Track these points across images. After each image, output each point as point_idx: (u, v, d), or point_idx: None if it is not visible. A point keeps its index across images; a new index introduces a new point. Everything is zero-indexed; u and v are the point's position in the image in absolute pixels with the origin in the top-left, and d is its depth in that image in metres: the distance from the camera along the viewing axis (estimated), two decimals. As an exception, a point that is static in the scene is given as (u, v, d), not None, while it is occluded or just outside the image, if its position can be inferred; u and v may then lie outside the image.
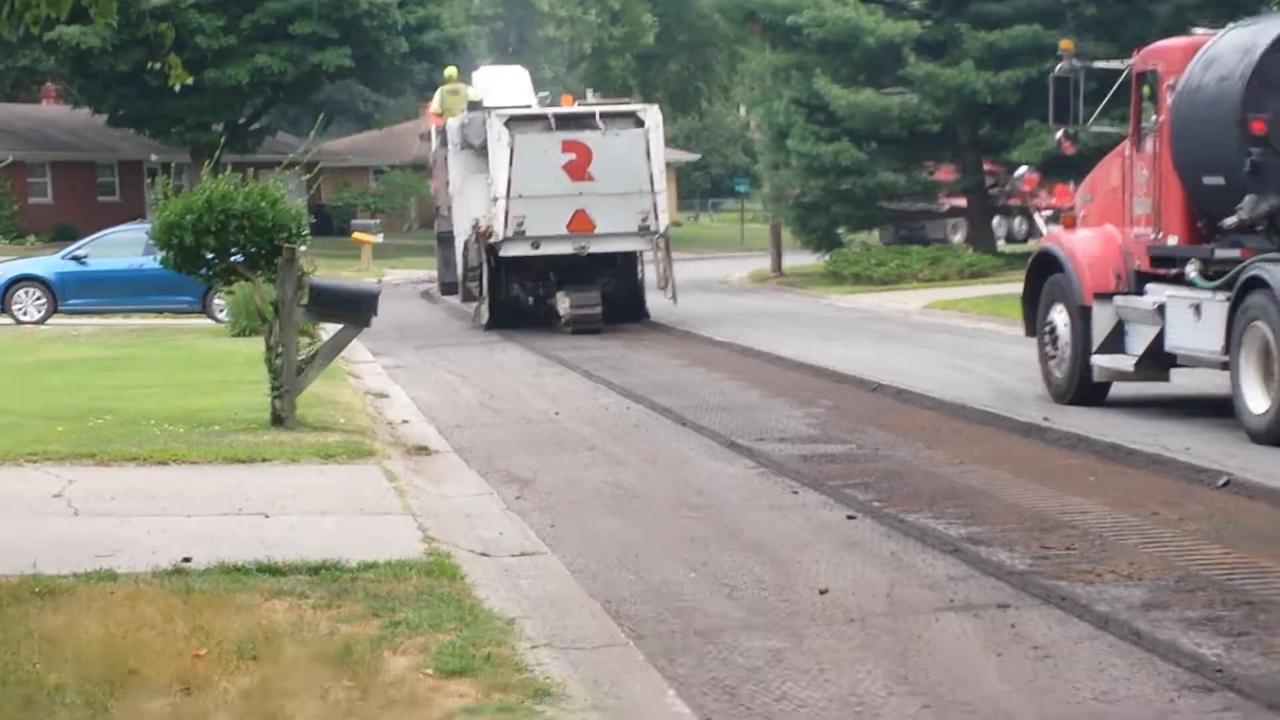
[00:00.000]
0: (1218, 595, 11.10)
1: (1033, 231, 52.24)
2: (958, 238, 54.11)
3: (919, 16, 48.27)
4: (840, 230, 50.76)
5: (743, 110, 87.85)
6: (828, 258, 49.63)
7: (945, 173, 50.84)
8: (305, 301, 18.48)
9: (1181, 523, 13.56)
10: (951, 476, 15.91)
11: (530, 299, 34.42)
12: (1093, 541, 12.85)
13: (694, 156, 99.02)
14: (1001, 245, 52.50)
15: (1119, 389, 20.76)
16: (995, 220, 54.19)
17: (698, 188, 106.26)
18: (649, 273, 34.95)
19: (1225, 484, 15.11)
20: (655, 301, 34.65)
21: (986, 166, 49.17)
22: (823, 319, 36.01)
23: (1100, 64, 22.08)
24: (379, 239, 58.29)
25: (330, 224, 70.38)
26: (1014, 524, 13.54)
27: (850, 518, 14.00)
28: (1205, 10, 39.74)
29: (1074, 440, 17.74)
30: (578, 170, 32.83)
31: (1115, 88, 20.97)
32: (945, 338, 30.19)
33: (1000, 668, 9.64)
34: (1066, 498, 14.68)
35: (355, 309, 18.84)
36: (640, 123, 33.46)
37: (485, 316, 34.54)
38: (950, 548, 12.69)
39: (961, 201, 51.14)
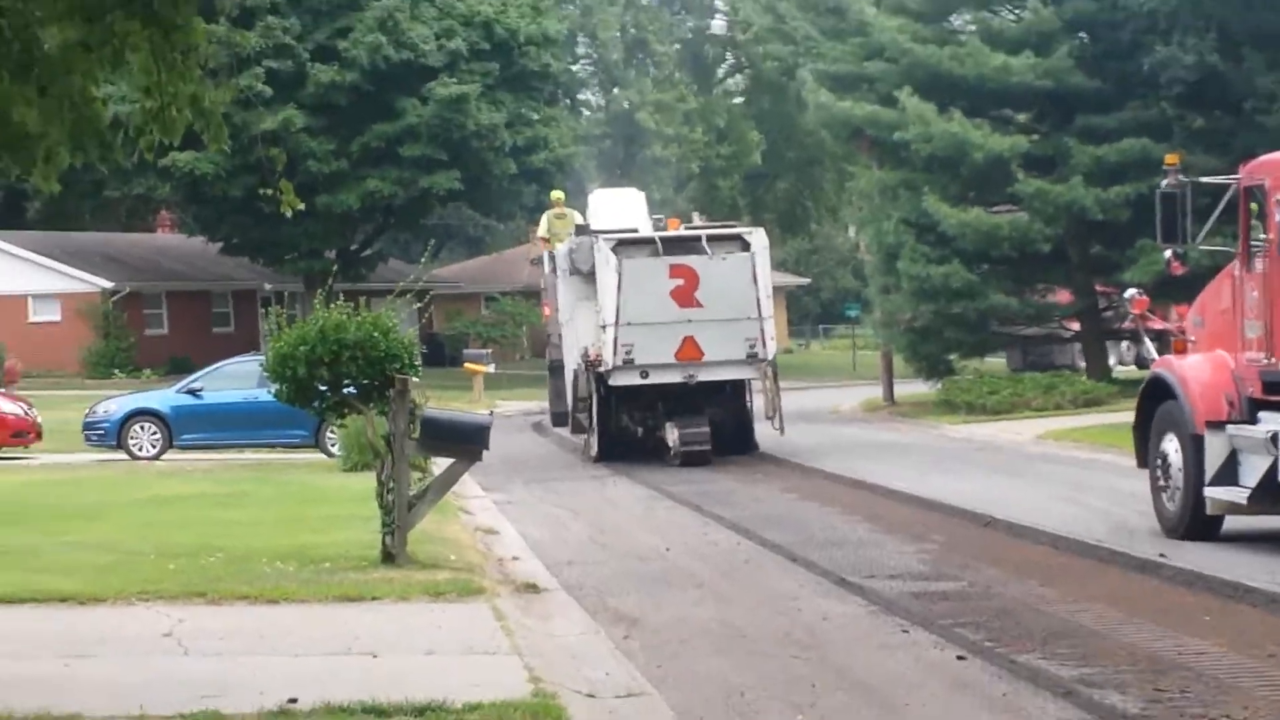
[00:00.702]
0: (1335, 741, 10.89)
1: (1141, 357, 51.80)
2: (1118, 359, 53.71)
3: (1025, 131, 48.22)
4: (952, 356, 50.50)
5: (852, 231, 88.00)
6: (940, 386, 49.34)
7: (1064, 295, 50.57)
8: (417, 434, 18.47)
9: (1299, 664, 13.33)
10: (1064, 615, 15.70)
11: (639, 430, 34.11)
12: (1207, 684, 12.64)
13: (804, 280, 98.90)
14: (1119, 371, 52.05)
15: (1237, 523, 20.37)
16: (1117, 346, 53.74)
17: (808, 313, 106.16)
18: (757, 402, 34.62)
19: (1344, 623, 14.81)
20: (764, 432, 34.36)
21: (1099, 288, 48.83)
22: (935, 450, 35.78)
23: (1207, 180, 21.54)
24: (491, 369, 58.55)
25: (442, 353, 70.81)
26: (1127, 665, 13.35)
27: (960, 658, 13.84)
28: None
29: (1190, 577, 17.46)
30: (685, 296, 32.56)
31: (1223, 204, 20.38)
32: (1059, 469, 29.92)
33: (1114, 817, 9.47)
34: (1182, 638, 14.45)
35: (468, 442, 18.78)
36: (747, 246, 33.17)
37: (595, 448, 34.28)
38: (1063, 690, 12.51)
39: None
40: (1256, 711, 11.73)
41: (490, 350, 66.42)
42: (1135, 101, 46.06)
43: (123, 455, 35.28)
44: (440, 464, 20.18)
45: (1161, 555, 18.72)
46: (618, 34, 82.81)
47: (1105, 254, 46.96)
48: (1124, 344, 57.13)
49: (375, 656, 13.31)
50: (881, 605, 16.47)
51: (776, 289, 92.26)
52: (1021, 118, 50.04)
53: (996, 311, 48.23)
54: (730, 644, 14.72)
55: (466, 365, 58.08)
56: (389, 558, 17.96)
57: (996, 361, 56.69)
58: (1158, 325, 23.32)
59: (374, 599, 15.90)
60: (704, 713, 12.07)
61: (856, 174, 55.05)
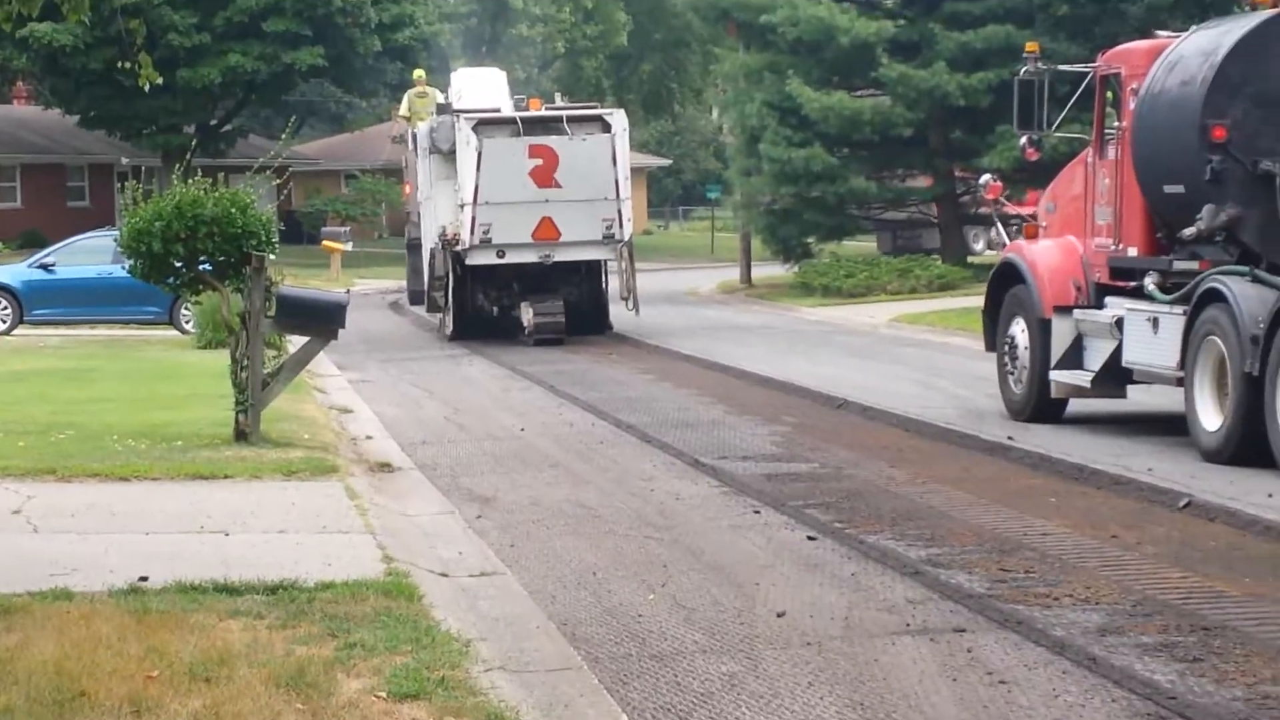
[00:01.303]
0: (1174, 620, 11.11)
1: (994, 241, 52.43)
2: (980, 245, 54.05)
3: (892, 16, 48.37)
4: (810, 240, 50.74)
5: (715, 113, 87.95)
6: (797, 269, 49.62)
7: (924, 180, 50.87)
8: (273, 312, 18.37)
9: (1140, 545, 13.59)
10: (913, 497, 15.93)
11: (495, 309, 34.26)
12: (1052, 564, 12.87)
13: (666, 162, 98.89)
14: (977, 256, 52.48)
15: (1080, 406, 20.74)
16: (974, 231, 54.13)
17: (669, 194, 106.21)
18: (613, 283, 34.81)
19: (1186, 505, 15.11)
20: (620, 314, 34.52)
21: (958, 173, 49.16)
22: (790, 332, 36.03)
23: (1065, 67, 21.76)
24: (349, 247, 58.22)
25: (300, 231, 70.26)
26: (974, 546, 13.57)
27: (811, 539, 13.99)
28: (1177, 11, 39.90)
29: (1037, 460, 17.77)
30: (544, 176, 32.64)
31: (1079, 92, 20.58)
32: (912, 352, 30.25)
33: (955, 693, 9.63)
34: (1028, 519, 14.71)
35: (323, 320, 18.70)
36: (607, 127, 33.29)
37: (450, 327, 34.41)
38: (910, 570, 12.70)
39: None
40: (1099, 590, 11.95)
41: (349, 228, 65.93)
42: (1002, -13, 46.26)
43: (-29, 331, 34.88)
44: (296, 342, 20.07)
45: (1010, 438, 19.00)
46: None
47: (966, 140, 47.29)
48: (979, 229, 57.55)
49: (227, 535, 13.27)
50: (734, 486, 16.61)
51: (638, 170, 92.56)
52: (888, 3, 50.15)
53: (856, 195, 48.58)
54: (584, 524, 14.80)
55: (324, 243, 57.70)
56: (242, 436, 17.91)
57: (859, 245, 56.99)
58: (1015, 210, 23.51)
59: (226, 477, 15.85)
60: (556, 591, 12.15)
61: (722, 56, 55.02)
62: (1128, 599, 11.72)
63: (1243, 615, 11.27)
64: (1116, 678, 9.81)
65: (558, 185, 32.68)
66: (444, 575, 12.41)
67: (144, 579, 11.42)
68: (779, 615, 11.33)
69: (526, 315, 33.09)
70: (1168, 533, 14.14)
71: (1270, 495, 15.34)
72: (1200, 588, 12.10)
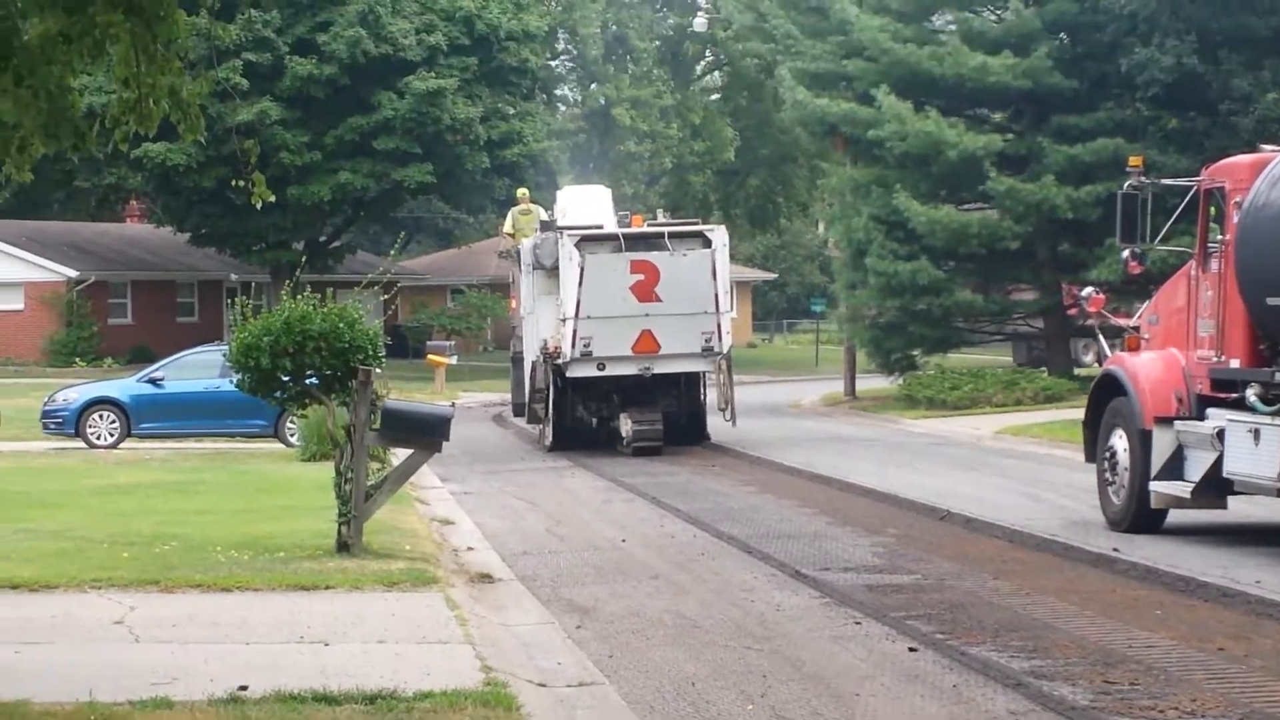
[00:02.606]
0: (1281, 733, 10.95)
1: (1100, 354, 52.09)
2: (1089, 357, 53.76)
3: (1000, 130, 48.42)
4: (916, 352, 50.64)
5: (821, 227, 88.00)
6: (902, 380, 49.47)
7: (1033, 293, 50.69)
8: (377, 425, 18.45)
9: (1248, 658, 13.40)
10: (1016, 608, 15.77)
11: (594, 420, 34.63)
12: (1157, 676, 12.71)
13: (771, 275, 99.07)
14: (1092, 368, 52.13)
15: (1179, 518, 20.62)
16: (1082, 343, 53.79)
17: (774, 308, 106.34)
18: (711, 395, 35.04)
19: (1295, 617, 14.90)
20: (721, 425, 34.72)
21: (1064, 286, 48.96)
22: (894, 444, 35.86)
23: (1169, 181, 21.87)
24: (453, 361, 58.54)
25: (406, 345, 70.69)
26: (1078, 657, 13.41)
27: (912, 650, 13.88)
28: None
29: (1143, 572, 17.57)
30: (645, 291, 33.05)
31: (1183, 205, 20.68)
32: (1016, 464, 30.05)
33: (1058, 807, 9.51)
34: (1133, 631, 14.53)
35: (428, 433, 18.75)
36: (708, 243, 33.64)
37: (550, 438, 34.73)
38: (1013, 682, 12.56)
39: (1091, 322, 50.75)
40: (1205, 704, 11.79)
41: (453, 342, 66.33)
42: (1110, 102, 46.31)
43: (80, 444, 35.16)
44: (399, 455, 20.16)
45: (1115, 549, 18.83)
46: (598, 30, 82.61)
47: (1073, 252, 47.16)
48: (1088, 341, 57.23)
49: (327, 645, 13.29)
50: (835, 597, 16.50)
51: (743, 283, 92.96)
52: (997, 117, 50.23)
53: (962, 308, 48.50)
54: (683, 635, 14.73)
55: (429, 357, 58.03)
56: (344, 547, 17.94)
57: (964, 358, 56.71)
58: (1122, 322, 23.42)
59: (328, 588, 15.88)
60: (655, 701, 12.08)
61: (829, 171, 55.16)
62: (1235, 712, 11.56)
63: (1353, 730, 11.07)
64: (1221, 792, 9.66)
65: (658, 299, 33.08)
66: (542, 685, 12.37)
67: (244, 688, 11.46)
68: (880, 727, 11.23)
69: (625, 426, 33.48)
70: (1276, 645, 13.93)
71: (1381, 609, 15.11)
72: (1310, 702, 11.91)
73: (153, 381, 36.36)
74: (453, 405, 23.65)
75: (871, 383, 51.91)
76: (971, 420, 41.02)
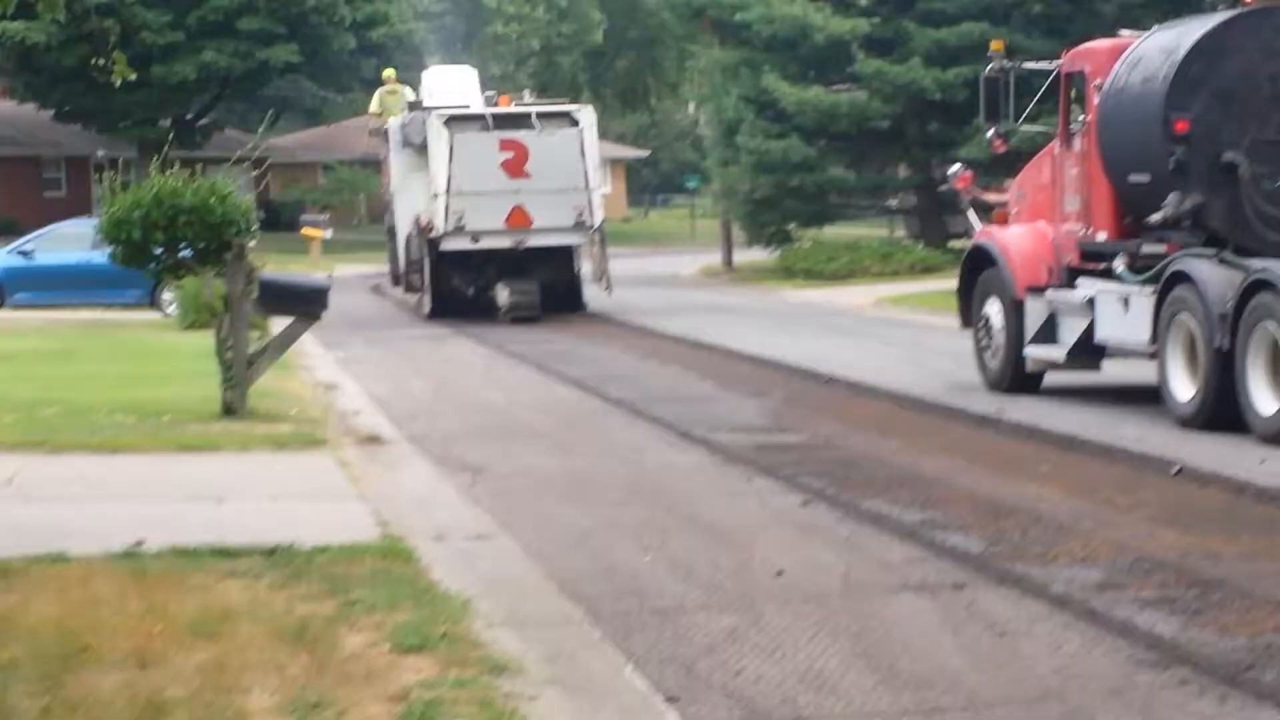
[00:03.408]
0: (1172, 576, 11.12)
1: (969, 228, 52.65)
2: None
3: (867, 14, 48.37)
4: (791, 226, 50.82)
5: (691, 107, 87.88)
6: (780, 253, 49.68)
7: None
8: (255, 296, 18.43)
9: (1135, 509, 13.60)
10: (905, 465, 15.93)
11: (471, 289, 34.94)
12: (1047, 526, 12.87)
13: (643, 153, 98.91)
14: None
15: (1053, 380, 21.14)
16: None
17: (647, 184, 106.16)
18: (587, 268, 35.47)
19: (1178, 472, 15.17)
20: (600, 296, 35.12)
21: (938, 164, 49.24)
22: (775, 313, 36.09)
23: (1029, 65, 22.50)
24: (328, 234, 58.01)
25: (279, 219, 69.97)
26: (968, 510, 13.56)
27: (805, 503, 13.98)
28: (1150, 8, 39.96)
29: (1027, 431, 17.81)
30: (515, 168, 33.62)
31: (1044, 88, 21.41)
32: (897, 331, 30.32)
33: (957, 644, 9.64)
34: (1021, 485, 14.72)
35: (306, 303, 18.87)
36: (575, 123, 34.36)
37: (428, 306, 35.14)
38: (905, 532, 12.69)
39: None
40: (1096, 550, 11.96)
41: (327, 216, 65.76)
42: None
43: (-48, 315, 34.73)
44: (279, 326, 20.07)
45: (999, 410, 19.09)
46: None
47: (943, 131, 47.39)
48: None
49: (220, 502, 13.28)
50: (725, 456, 16.59)
51: (616, 160, 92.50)
52: (862, 2, 50.19)
53: (835, 184, 48.82)
54: (577, 491, 14.78)
55: (303, 230, 57.48)
56: (230, 411, 17.92)
57: (837, 231, 56.89)
58: (992, 198, 24.00)
59: (216, 449, 15.88)
60: (553, 553, 12.12)
61: (697, 53, 55.09)
62: (1125, 557, 11.72)
63: (1241, 572, 11.26)
64: (1118, 630, 9.82)
65: (528, 176, 33.69)
66: (440, 539, 12.38)
67: (140, 543, 11.43)
68: (778, 574, 11.32)
69: (502, 295, 33.99)
70: (1162, 496, 14.15)
71: (1263, 461, 15.45)
72: (1197, 547, 12.10)
73: (23, 254, 35.97)
74: (330, 276, 23.58)
75: (749, 255, 52.06)
76: (850, 290, 41.32)
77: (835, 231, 55.48)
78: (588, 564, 11.79)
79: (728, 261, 52.43)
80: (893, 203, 54.59)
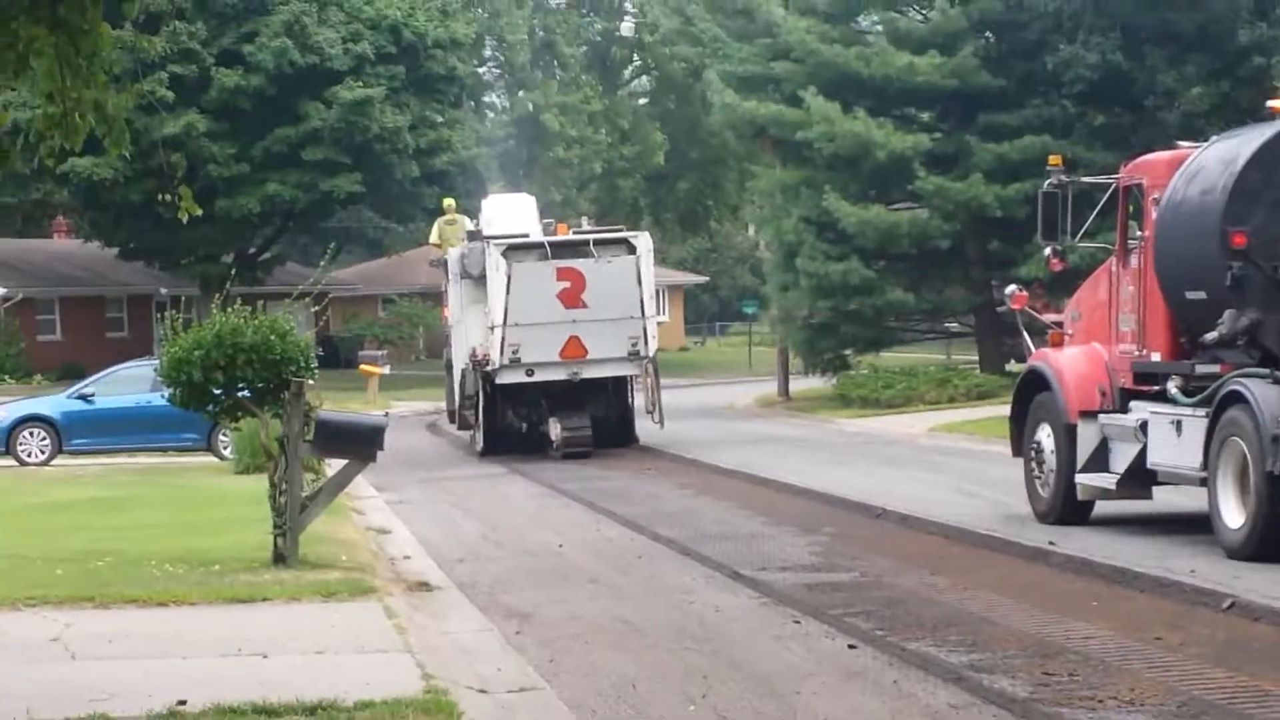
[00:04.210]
0: (1220, 721, 11.01)
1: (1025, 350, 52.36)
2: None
3: (929, 130, 48.53)
4: (848, 352, 50.77)
5: (751, 230, 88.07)
6: (835, 380, 49.58)
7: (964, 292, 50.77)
8: (311, 436, 18.38)
9: (1185, 646, 13.48)
10: (954, 603, 15.83)
11: (524, 425, 34.91)
12: (1095, 667, 12.77)
13: (702, 279, 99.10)
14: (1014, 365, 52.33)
15: (1108, 509, 20.82)
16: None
17: (705, 310, 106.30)
18: (639, 398, 35.48)
19: (1230, 606, 15.02)
20: (651, 428, 34.95)
21: (994, 284, 49.11)
22: (828, 444, 35.99)
23: (1087, 179, 22.19)
24: (386, 370, 58.41)
25: (338, 355, 70.41)
26: (1016, 650, 13.46)
27: (852, 647, 13.91)
28: (1213, 117, 39.99)
29: (1079, 564, 17.68)
30: (571, 298, 33.50)
31: (1103, 203, 21.03)
32: (951, 460, 30.21)
33: (1000, 800, 9.54)
34: (1070, 623, 14.60)
35: (362, 443, 18.72)
36: (632, 249, 34.17)
37: (481, 443, 35.08)
38: (952, 676, 12.60)
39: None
40: (1144, 693, 11.85)
41: (385, 351, 66.12)
42: (1037, 100, 46.57)
43: (11, 462, 34.89)
44: (334, 465, 20.07)
45: (1051, 543, 18.92)
46: (525, 36, 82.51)
47: (1003, 250, 47.28)
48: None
49: (266, 657, 13.23)
50: (774, 597, 16.53)
51: (675, 287, 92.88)
52: (925, 116, 50.35)
53: (894, 307, 48.57)
54: (623, 638, 14.72)
55: (362, 367, 57.86)
56: (280, 559, 17.85)
57: (894, 356, 56.88)
58: (1049, 318, 23.66)
59: (265, 600, 15.81)
60: (596, 705, 12.06)
61: (758, 173, 55.24)
62: (1173, 700, 11.62)
63: (1290, 714, 11.15)
64: (1164, 781, 9.71)
65: (585, 305, 33.57)
66: (483, 691, 12.33)
67: (182, 703, 11.37)
68: (821, 724, 11.23)
69: (555, 430, 33.79)
70: (1212, 634, 14.03)
71: (1315, 594, 15.23)
72: (1246, 688, 11.99)
73: (83, 397, 36.17)
74: (386, 415, 23.61)
75: (805, 383, 52.02)
76: (905, 418, 41.19)
77: (892, 357, 55.48)
78: (630, 716, 11.73)
79: (784, 390, 52.36)
80: (951, 325, 54.51)
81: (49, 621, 14.77)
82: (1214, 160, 18.84)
